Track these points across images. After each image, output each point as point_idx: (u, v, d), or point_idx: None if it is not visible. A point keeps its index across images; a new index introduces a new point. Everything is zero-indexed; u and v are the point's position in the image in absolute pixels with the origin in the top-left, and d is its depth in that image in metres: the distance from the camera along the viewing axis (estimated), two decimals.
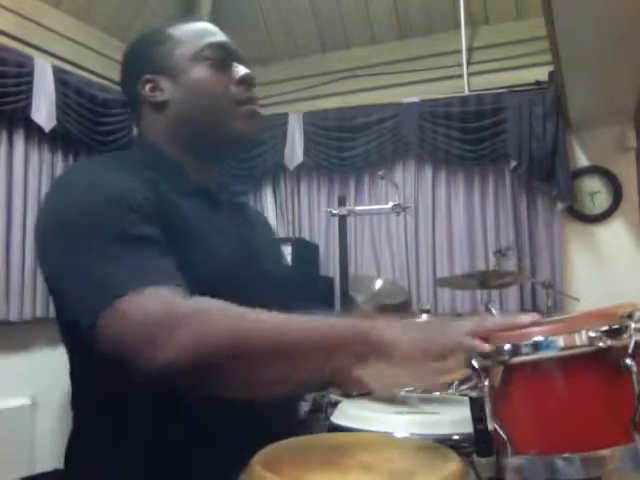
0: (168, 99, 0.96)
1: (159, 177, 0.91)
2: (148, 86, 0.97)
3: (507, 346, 0.62)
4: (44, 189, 3.04)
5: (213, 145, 0.99)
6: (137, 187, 0.84)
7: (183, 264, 0.81)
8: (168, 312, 0.71)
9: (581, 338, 0.60)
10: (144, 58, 0.99)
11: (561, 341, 0.60)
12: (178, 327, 0.69)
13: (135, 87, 0.98)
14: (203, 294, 0.76)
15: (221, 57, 0.97)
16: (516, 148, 3.41)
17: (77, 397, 0.92)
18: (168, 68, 0.96)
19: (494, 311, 2.29)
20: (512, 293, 3.39)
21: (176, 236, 0.84)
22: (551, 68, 3.06)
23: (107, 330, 0.71)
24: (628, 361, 0.58)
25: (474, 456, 0.71)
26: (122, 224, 0.78)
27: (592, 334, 0.59)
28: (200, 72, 0.96)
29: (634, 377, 0.58)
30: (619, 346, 0.59)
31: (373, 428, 0.98)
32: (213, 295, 0.76)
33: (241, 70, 0.98)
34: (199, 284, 0.79)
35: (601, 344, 0.58)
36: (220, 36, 1.00)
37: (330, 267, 3.80)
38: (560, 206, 3.40)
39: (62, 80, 3.08)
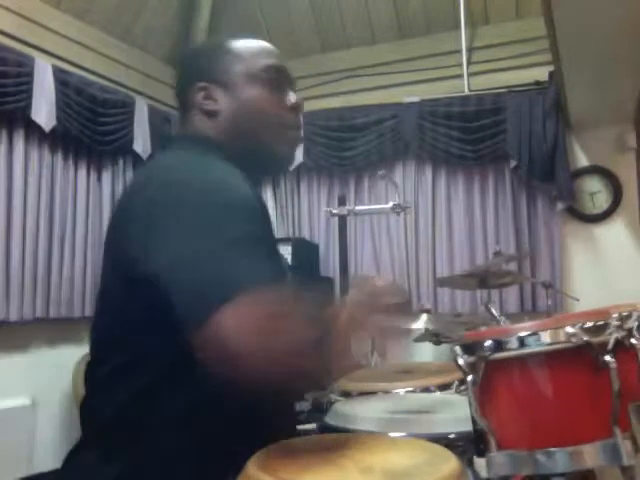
0: (220, 109, 1.00)
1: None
2: (202, 93, 1.01)
3: (488, 342, 0.62)
4: (44, 189, 3.03)
5: (254, 160, 1.01)
6: (249, 190, 0.88)
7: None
8: (266, 322, 0.72)
9: (560, 334, 0.60)
10: (201, 66, 1.03)
11: (544, 337, 0.61)
12: (273, 337, 0.72)
13: (189, 91, 1.02)
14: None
15: (277, 80, 1.03)
16: (516, 148, 3.41)
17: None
18: (224, 80, 1.01)
19: (494, 311, 2.28)
20: (512, 293, 3.39)
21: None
22: (551, 68, 3.06)
23: (217, 325, 0.70)
24: (607, 358, 0.59)
25: (474, 456, 0.71)
26: (240, 226, 0.81)
27: (570, 330, 0.59)
28: (256, 90, 1.01)
29: (613, 373, 0.58)
30: (599, 343, 0.60)
31: (369, 428, 0.98)
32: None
33: (294, 97, 1.04)
34: None
35: (579, 340, 0.59)
36: (279, 59, 1.06)
37: (330, 267, 3.80)
38: (560, 206, 3.40)
39: (62, 80, 3.08)
